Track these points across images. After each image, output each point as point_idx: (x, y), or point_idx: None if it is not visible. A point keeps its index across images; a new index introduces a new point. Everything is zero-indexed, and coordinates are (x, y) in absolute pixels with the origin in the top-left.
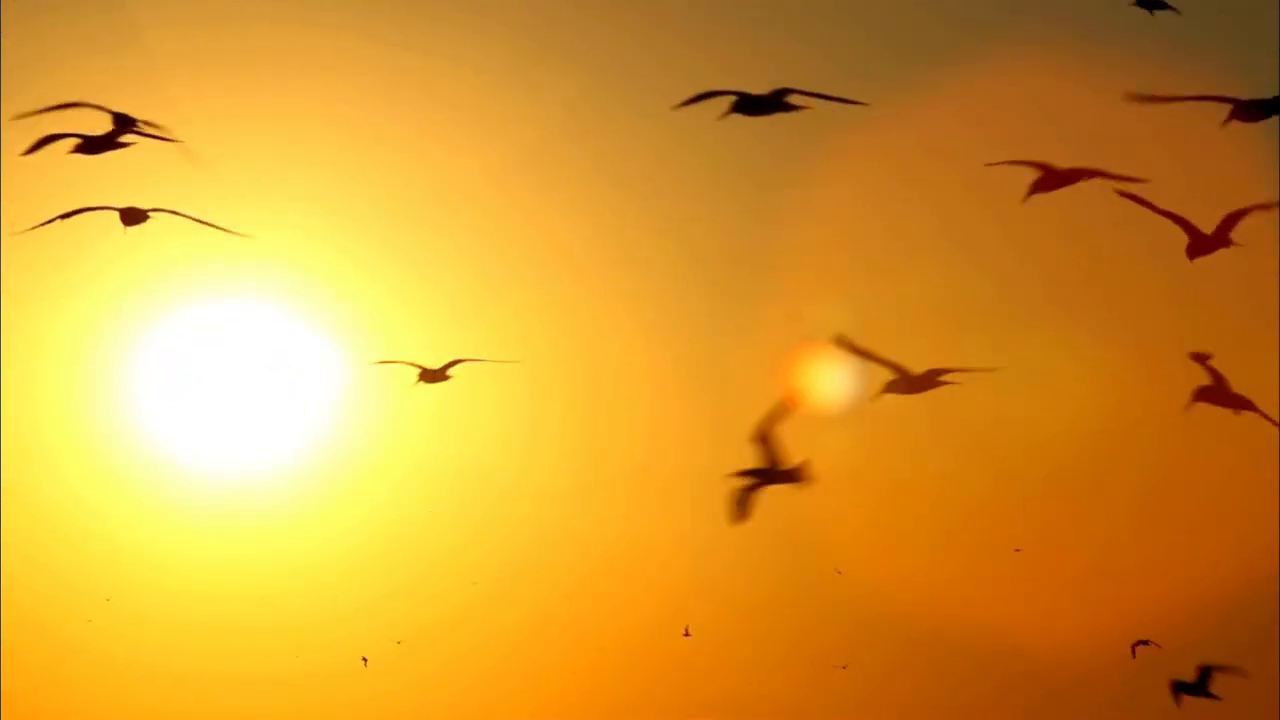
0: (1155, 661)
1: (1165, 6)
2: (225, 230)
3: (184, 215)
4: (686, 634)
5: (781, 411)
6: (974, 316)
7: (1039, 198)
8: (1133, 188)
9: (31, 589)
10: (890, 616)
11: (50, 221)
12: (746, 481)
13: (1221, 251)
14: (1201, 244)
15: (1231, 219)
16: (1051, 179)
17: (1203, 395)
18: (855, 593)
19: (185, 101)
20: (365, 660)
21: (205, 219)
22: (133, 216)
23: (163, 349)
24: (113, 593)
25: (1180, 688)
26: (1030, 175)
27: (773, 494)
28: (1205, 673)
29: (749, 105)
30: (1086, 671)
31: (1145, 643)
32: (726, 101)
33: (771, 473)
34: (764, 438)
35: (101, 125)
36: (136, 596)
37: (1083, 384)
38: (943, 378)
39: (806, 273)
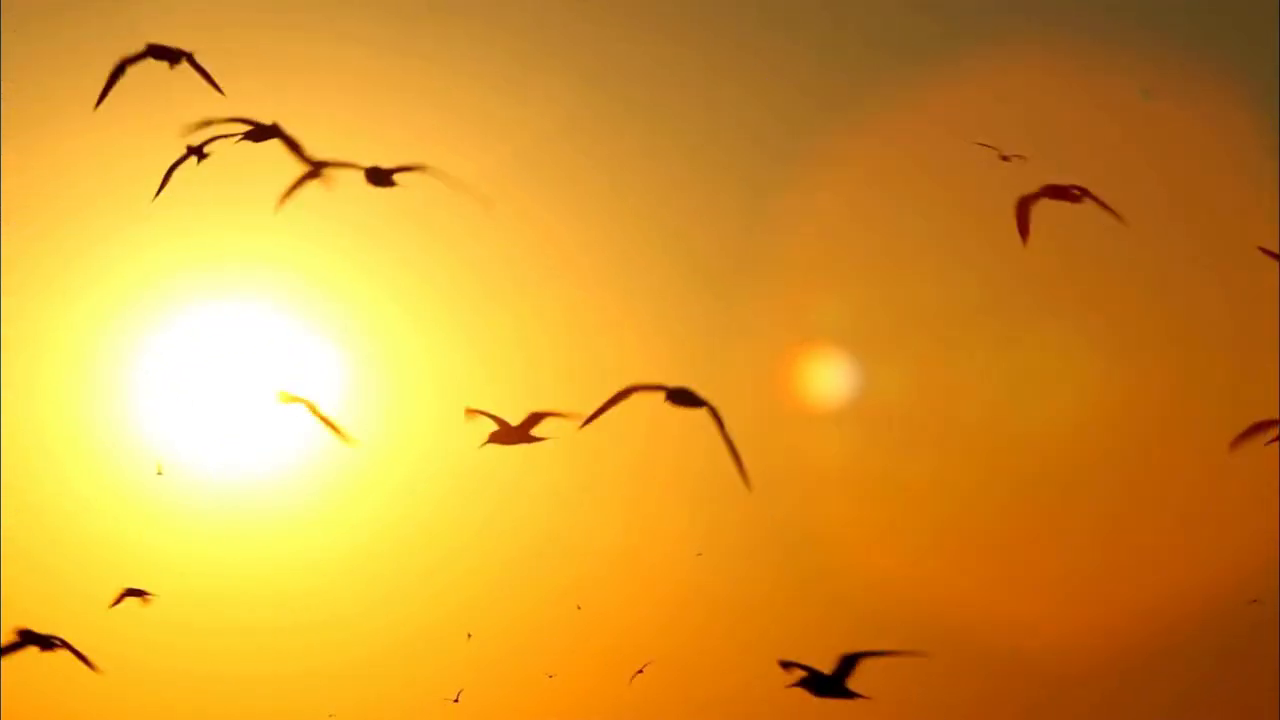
0: (1152, 660)
1: None
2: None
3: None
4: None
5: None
6: (967, 318)
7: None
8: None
9: (32, 589)
10: (886, 615)
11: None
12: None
13: (1211, 253)
14: None
15: None
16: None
17: None
18: (851, 592)
19: (184, 104)
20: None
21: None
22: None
23: (165, 351)
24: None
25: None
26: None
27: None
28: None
29: None
30: (1079, 670)
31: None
32: None
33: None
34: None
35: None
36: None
37: (1074, 383)
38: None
39: (803, 275)
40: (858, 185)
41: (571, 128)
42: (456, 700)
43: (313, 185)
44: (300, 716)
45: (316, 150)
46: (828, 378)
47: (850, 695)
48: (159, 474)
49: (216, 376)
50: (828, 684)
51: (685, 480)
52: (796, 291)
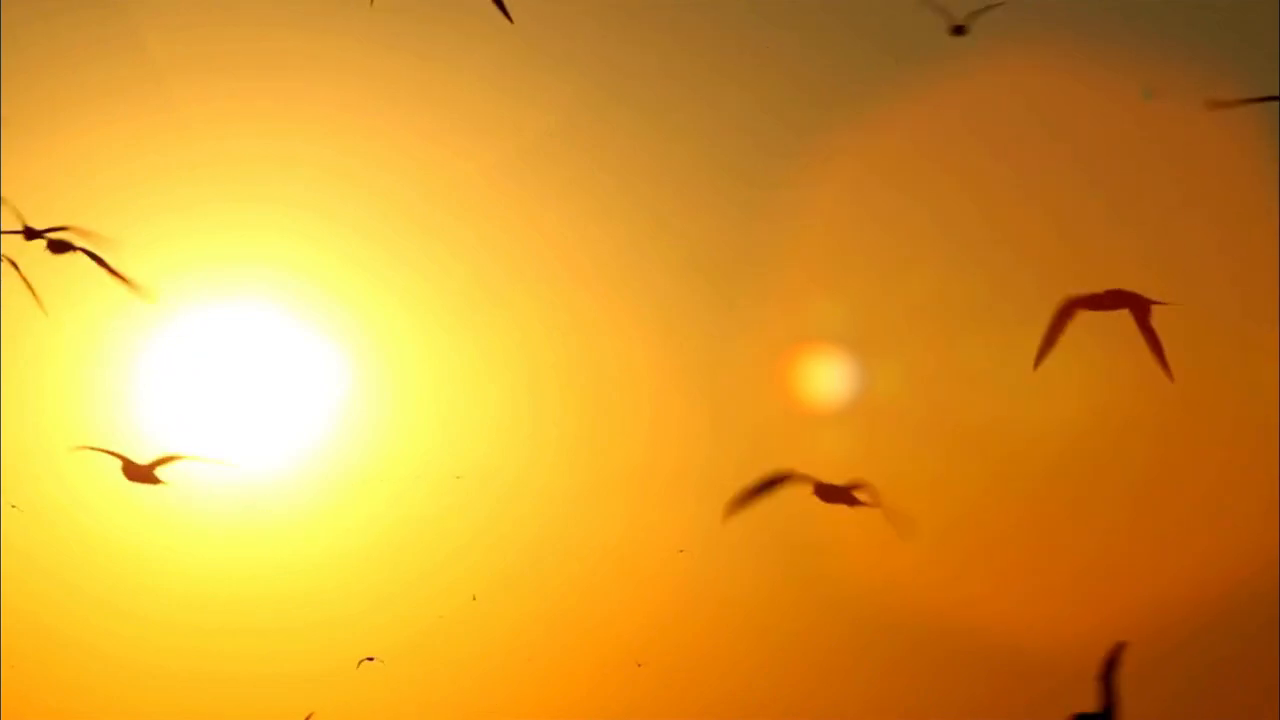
0: (1154, 660)
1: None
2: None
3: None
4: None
5: None
6: (969, 315)
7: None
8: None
9: (31, 589)
10: (888, 616)
11: None
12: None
13: (1218, 252)
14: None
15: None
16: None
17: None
18: (853, 592)
19: (184, 105)
20: (371, 659)
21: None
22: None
23: (164, 351)
24: (124, 599)
25: None
26: None
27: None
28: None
29: None
30: (1084, 670)
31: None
32: None
33: None
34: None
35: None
36: (137, 597)
37: (1079, 383)
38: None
39: (804, 273)
40: (860, 183)
41: (571, 127)
42: (370, 660)
43: (311, 183)
44: (301, 717)
45: (319, 151)
46: (829, 377)
47: None
48: (13, 507)
49: (216, 377)
50: None
51: (686, 480)
52: (798, 290)
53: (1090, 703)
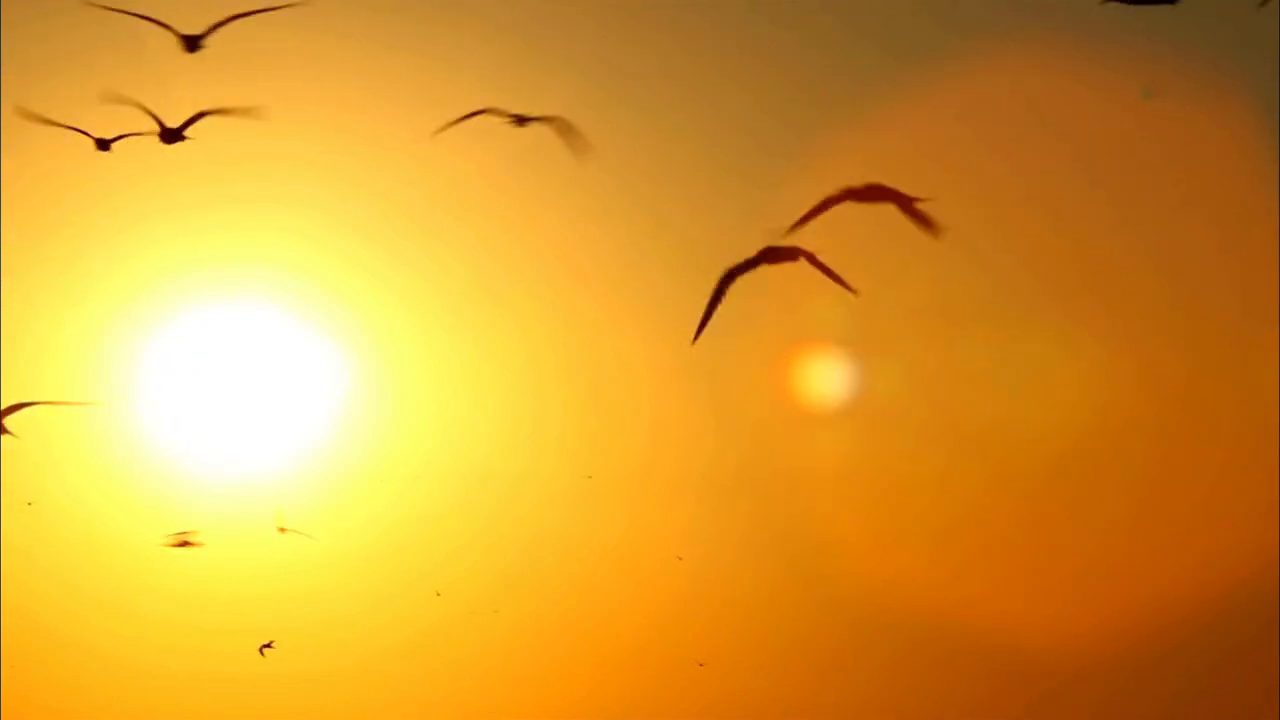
0: (1154, 660)
1: None
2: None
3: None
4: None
5: None
6: (970, 315)
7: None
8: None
9: (31, 589)
10: (888, 616)
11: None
12: None
13: (1219, 252)
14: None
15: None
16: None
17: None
18: (854, 593)
19: (184, 104)
20: (270, 645)
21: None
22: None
23: (165, 351)
24: (117, 595)
25: None
26: None
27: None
28: None
29: None
30: (1084, 670)
31: None
32: None
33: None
34: None
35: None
36: (137, 597)
37: (1079, 382)
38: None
39: (805, 272)
40: (859, 181)
41: (571, 127)
42: (269, 647)
43: (311, 183)
44: (302, 717)
45: (319, 151)
46: (829, 377)
47: None
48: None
49: (216, 377)
50: None
51: (686, 481)
52: (798, 290)
53: (1088, 703)
